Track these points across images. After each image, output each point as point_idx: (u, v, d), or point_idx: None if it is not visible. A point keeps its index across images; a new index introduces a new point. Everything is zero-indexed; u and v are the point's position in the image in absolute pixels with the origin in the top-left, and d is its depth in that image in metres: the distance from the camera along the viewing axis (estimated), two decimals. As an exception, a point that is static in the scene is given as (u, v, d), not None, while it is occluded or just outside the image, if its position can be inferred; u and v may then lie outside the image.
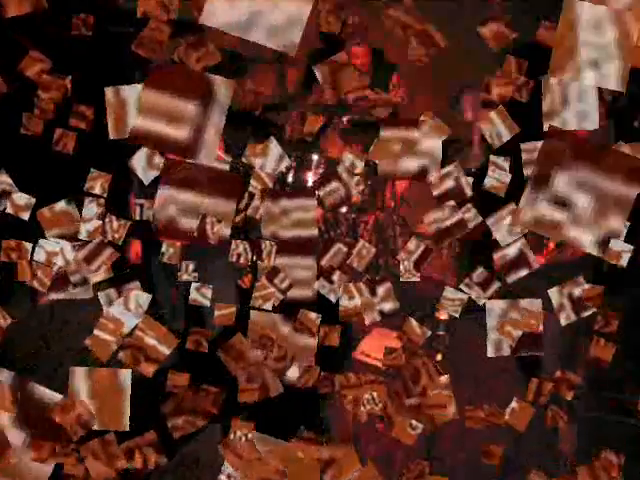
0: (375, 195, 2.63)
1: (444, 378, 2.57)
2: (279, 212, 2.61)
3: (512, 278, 2.59)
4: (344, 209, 2.60)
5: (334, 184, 2.60)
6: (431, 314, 2.61)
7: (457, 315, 2.56)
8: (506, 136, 2.53)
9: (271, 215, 2.60)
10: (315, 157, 2.61)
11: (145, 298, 2.57)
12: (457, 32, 2.55)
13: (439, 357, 2.60)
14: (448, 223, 2.58)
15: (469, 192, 2.56)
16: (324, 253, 2.59)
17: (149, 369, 2.55)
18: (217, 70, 2.54)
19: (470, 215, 2.57)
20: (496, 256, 2.59)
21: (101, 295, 2.58)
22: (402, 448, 2.58)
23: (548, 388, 2.52)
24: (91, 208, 2.52)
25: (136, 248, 2.70)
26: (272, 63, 2.58)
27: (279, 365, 2.56)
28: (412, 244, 2.58)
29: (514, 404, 2.55)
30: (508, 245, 2.59)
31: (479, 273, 2.59)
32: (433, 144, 2.57)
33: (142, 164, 2.57)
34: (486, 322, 2.57)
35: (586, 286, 2.54)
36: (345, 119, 2.60)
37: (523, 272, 2.59)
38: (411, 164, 2.58)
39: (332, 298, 2.59)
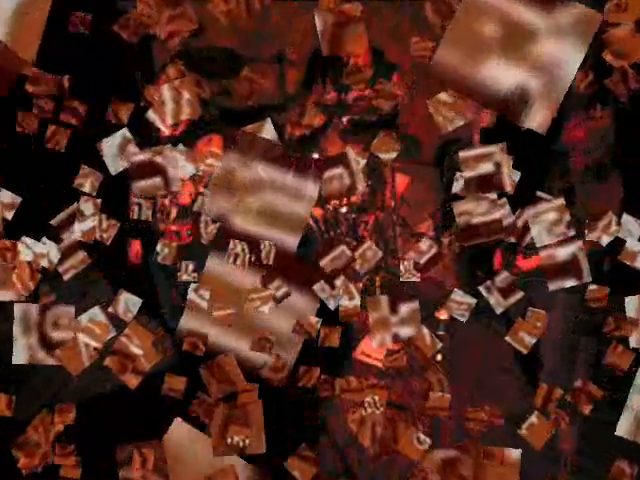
0: (375, 195, 2.51)
1: (513, 455, 2.30)
2: (249, 183, 2.25)
3: (554, 286, 2.34)
4: (344, 209, 2.48)
5: (339, 170, 2.39)
6: (431, 314, 2.51)
7: (464, 320, 2.42)
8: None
9: (228, 182, 2.25)
10: (315, 157, 2.49)
11: (135, 302, 2.40)
12: None
13: (439, 357, 2.49)
14: (480, 220, 2.23)
15: (509, 187, 2.16)
16: (324, 254, 2.46)
17: (133, 381, 2.37)
18: (215, 70, 2.44)
19: (504, 212, 2.23)
20: (542, 254, 2.29)
21: (17, 307, 2.38)
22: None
23: (557, 395, 2.36)
24: (87, 207, 2.38)
25: (136, 248, 2.60)
26: (272, 63, 2.50)
27: (277, 376, 2.38)
28: (425, 244, 2.40)
29: (534, 419, 2.37)
30: (560, 245, 2.26)
31: (503, 277, 2.38)
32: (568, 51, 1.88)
33: (113, 151, 2.39)
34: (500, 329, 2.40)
35: (592, 287, 2.37)
36: (345, 119, 2.51)
37: (569, 282, 2.32)
38: (513, 75, 1.90)
39: (331, 305, 2.44)
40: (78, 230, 2.39)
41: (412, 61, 2.45)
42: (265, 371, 2.37)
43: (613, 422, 2.43)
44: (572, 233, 2.20)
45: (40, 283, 2.45)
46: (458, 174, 2.39)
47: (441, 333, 2.48)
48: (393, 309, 2.39)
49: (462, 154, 2.21)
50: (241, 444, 2.28)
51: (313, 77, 2.49)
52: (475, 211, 2.20)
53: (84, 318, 2.37)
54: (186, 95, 2.38)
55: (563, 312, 2.45)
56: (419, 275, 2.46)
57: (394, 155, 2.45)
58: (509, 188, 2.15)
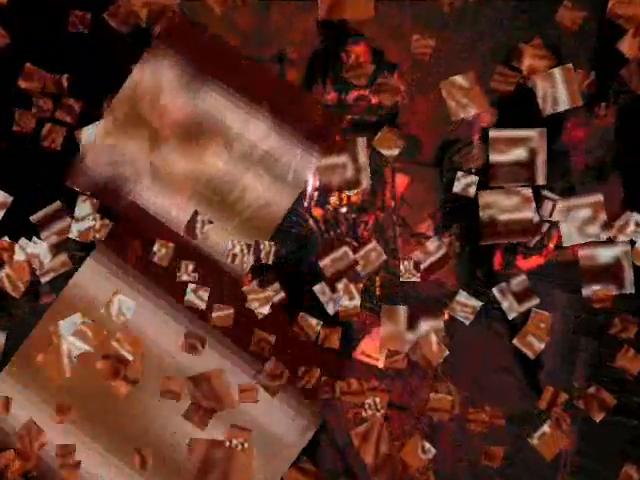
0: (375, 195, 2.45)
1: None
2: (179, 121, 1.72)
3: (589, 292, 2.02)
4: (344, 209, 2.41)
5: (343, 159, 2.08)
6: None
7: (467, 323, 2.28)
8: (564, 104, 1.97)
9: (137, 107, 1.80)
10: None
11: (130, 305, 2.23)
12: (458, 31, 2.39)
13: (439, 357, 2.42)
14: (507, 217, 1.89)
15: (542, 180, 1.75)
16: (324, 255, 2.37)
17: (123, 388, 2.18)
18: None
19: (534, 211, 1.89)
20: (581, 253, 1.95)
21: None
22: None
23: (562, 399, 2.22)
24: (84, 207, 2.26)
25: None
26: (272, 63, 2.44)
27: (273, 384, 2.24)
28: (432, 245, 2.25)
29: (546, 428, 2.20)
30: (603, 246, 1.91)
31: (520, 280, 2.14)
32: None
33: (91, 141, 2.19)
34: (497, 328, 2.28)
35: (596, 287, 2.21)
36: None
37: (609, 289, 2.05)
38: None
39: (330, 309, 2.30)
40: (74, 230, 2.28)
41: (413, 59, 2.40)
42: (262, 378, 2.24)
43: (614, 423, 2.37)
44: (607, 236, 1.88)
45: (41, 283, 2.38)
46: (459, 173, 2.30)
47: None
48: (411, 324, 2.18)
49: (493, 133, 1.88)
50: (239, 447, 2.17)
51: (313, 77, 2.43)
52: (503, 205, 1.90)
53: (64, 325, 2.25)
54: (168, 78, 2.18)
55: (563, 312, 2.38)
56: (419, 275, 2.40)
57: (396, 152, 2.36)
58: (542, 181, 1.83)
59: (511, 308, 2.19)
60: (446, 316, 2.42)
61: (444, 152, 2.43)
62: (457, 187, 2.32)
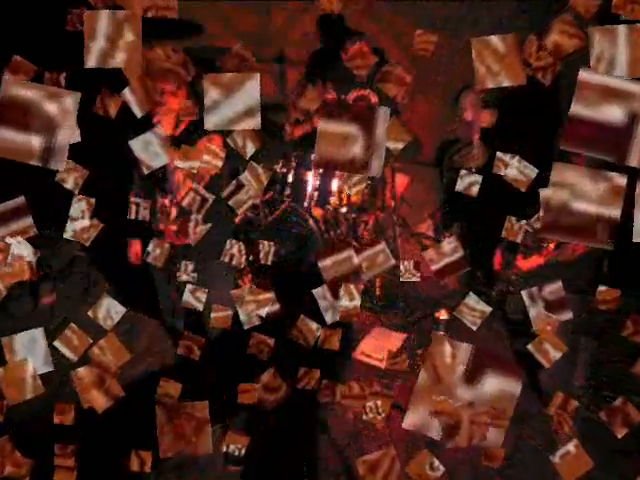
0: (375, 195, 2.37)
1: None
2: None
3: None
4: (344, 209, 2.32)
5: (352, 127, 1.59)
6: (431, 314, 2.35)
7: (475, 327, 2.00)
8: (621, 69, 1.39)
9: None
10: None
11: (119, 310, 2.00)
12: (459, 31, 2.30)
13: (440, 357, 2.32)
14: (585, 208, 1.34)
15: (638, 160, 1.23)
16: (325, 256, 2.22)
17: (101, 401, 1.94)
18: (216, 70, 2.32)
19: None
20: None
21: None
22: (403, 449, 2.30)
23: (573, 407, 1.97)
24: (79, 206, 2.10)
25: (135, 248, 2.46)
26: (272, 63, 2.34)
27: (270, 397, 2.03)
28: (448, 246, 1.91)
29: (571, 447, 1.89)
30: None
31: (556, 288, 1.72)
32: None
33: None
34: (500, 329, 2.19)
35: (601, 289, 1.95)
36: (345, 119, 2.37)
37: None
38: None
39: (328, 317, 2.02)
40: (69, 230, 2.10)
41: (413, 56, 2.32)
42: (260, 391, 2.08)
43: (614, 423, 2.30)
44: None
45: (42, 282, 2.29)
46: (462, 172, 2.08)
47: (441, 333, 2.33)
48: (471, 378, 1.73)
49: (583, 75, 1.32)
50: (237, 453, 2.04)
51: (313, 77, 2.37)
52: (583, 190, 1.34)
53: (19, 339, 2.00)
54: (129, 36, 1.59)
55: (564, 312, 2.31)
56: (419, 275, 2.30)
57: (401, 146, 2.07)
58: (637, 162, 1.25)
59: (538, 317, 1.83)
60: (446, 316, 2.35)
61: (444, 152, 2.37)
62: (460, 186, 2.11)
